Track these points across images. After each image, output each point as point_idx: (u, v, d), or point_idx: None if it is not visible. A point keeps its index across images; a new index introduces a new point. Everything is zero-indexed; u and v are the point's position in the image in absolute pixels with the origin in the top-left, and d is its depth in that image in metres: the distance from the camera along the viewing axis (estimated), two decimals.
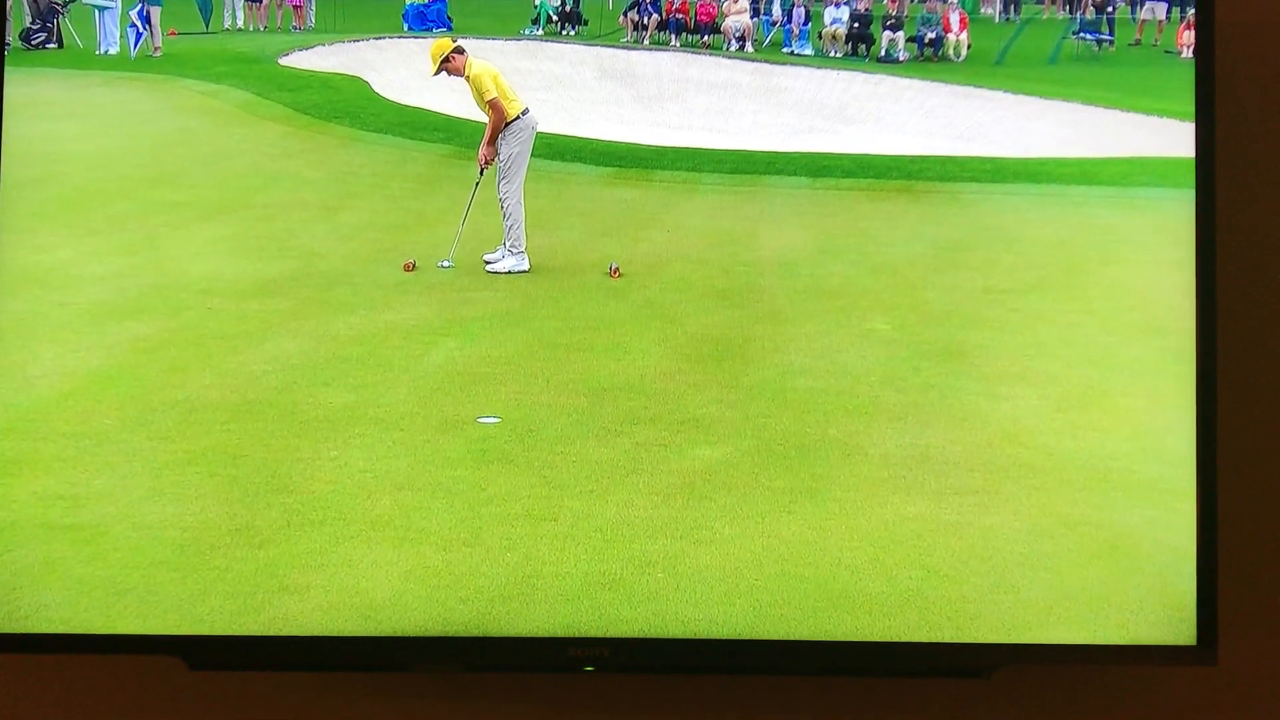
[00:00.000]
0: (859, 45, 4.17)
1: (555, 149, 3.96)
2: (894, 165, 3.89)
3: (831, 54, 4.21)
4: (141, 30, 4.01)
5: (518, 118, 3.91)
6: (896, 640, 2.73)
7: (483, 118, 3.91)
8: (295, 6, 4.36)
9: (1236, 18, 3.12)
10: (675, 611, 2.75)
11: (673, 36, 4.31)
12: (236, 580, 2.76)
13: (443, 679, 3.05)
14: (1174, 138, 2.95)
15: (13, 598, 2.74)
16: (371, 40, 4.26)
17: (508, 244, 3.84)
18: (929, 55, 4.16)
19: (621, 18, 4.27)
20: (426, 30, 3.90)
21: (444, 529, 2.85)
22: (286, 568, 2.78)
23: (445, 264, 3.72)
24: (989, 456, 2.99)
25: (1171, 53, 3.27)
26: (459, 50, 3.81)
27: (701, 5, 4.34)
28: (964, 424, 3.06)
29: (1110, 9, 3.88)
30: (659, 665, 2.85)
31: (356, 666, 2.94)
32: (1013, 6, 4.25)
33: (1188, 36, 3.03)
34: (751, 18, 4.36)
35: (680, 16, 4.30)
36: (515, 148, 3.92)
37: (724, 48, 4.36)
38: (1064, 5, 4.08)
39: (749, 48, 4.36)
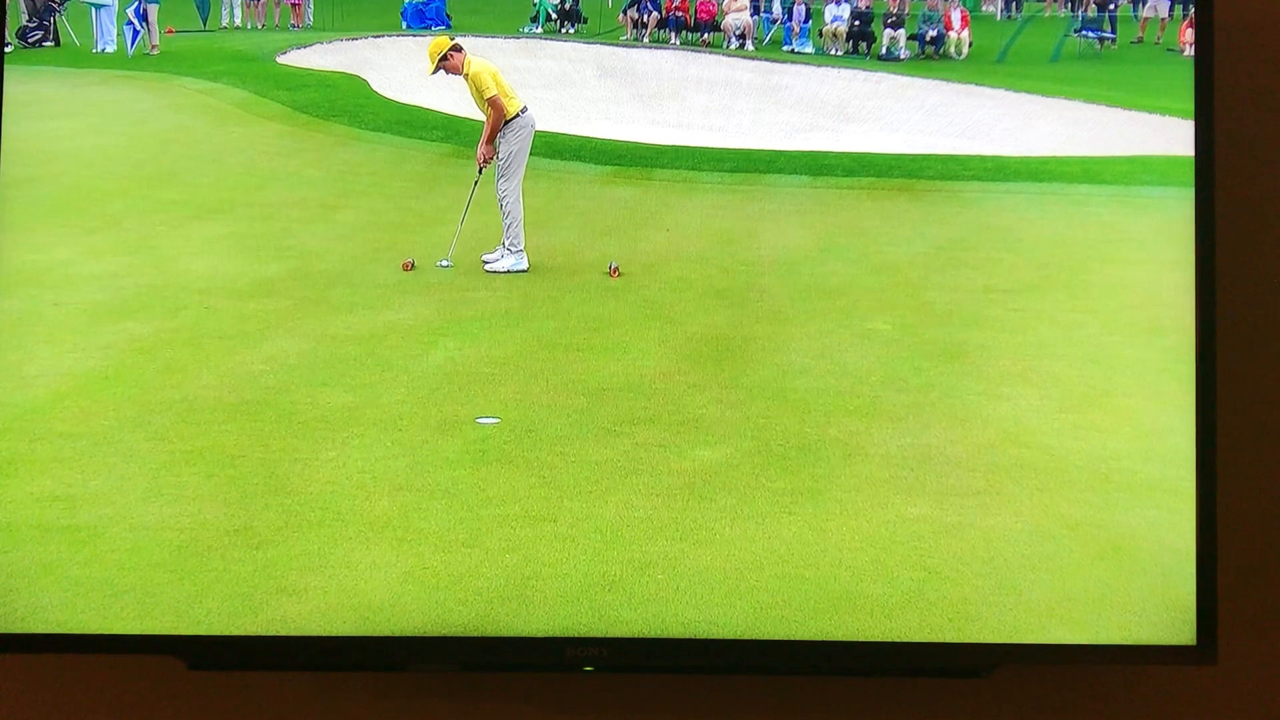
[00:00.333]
0: (860, 43, 4.16)
1: (554, 147, 3.95)
2: (895, 164, 3.88)
3: (832, 52, 4.20)
4: (139, 28, 4.00)
5: (516, 116, 3.91)
6: (893, 640, 2.72)
7: (482, 116, 3.90)
8: (293, 4, 4.35)
9: (1236, 18, 3.12)
10: (675, 613, 2.74)
11: (672, 34, 4.30)
12: (234, 582, 2.75)
13: (441, 679, 3.05)
14: (1176, 136, 2.94)
15: (9, 599, 2.74)
16: (370, 38, 4.25)
17: (506, 243, 3.83)
18: (930, 53, 4.15)
19: (621, 15, 4.26)
20: (425, 28, 3.89)
21: (443, 530, 2.85)
22: (285, 569, 2.77)
23: (444, 263, 3.71)
24: (990, 457, 2.98)
25: (1174, 51, 3.26)
26: (457, 48, 3.80)
27: (701, 3, 4.33)
28: (965, 424, 3.06)
29: (1112, 6, 3.87)
30: (657, 665, 2.84)
31: (355, 666, 2.94)
32: (1014, 4, 4.24)
33: (1190, 34, 3.02)
34: (752, 15, 4.35)
35: (680, 14, 4.29)
36: (514, 146, 3.91)
37: (724, 45, 4.35)
38: (1066, 3, 4.06)
39: (749, 45, 4.35)
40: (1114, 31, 3.88)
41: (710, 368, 3.27)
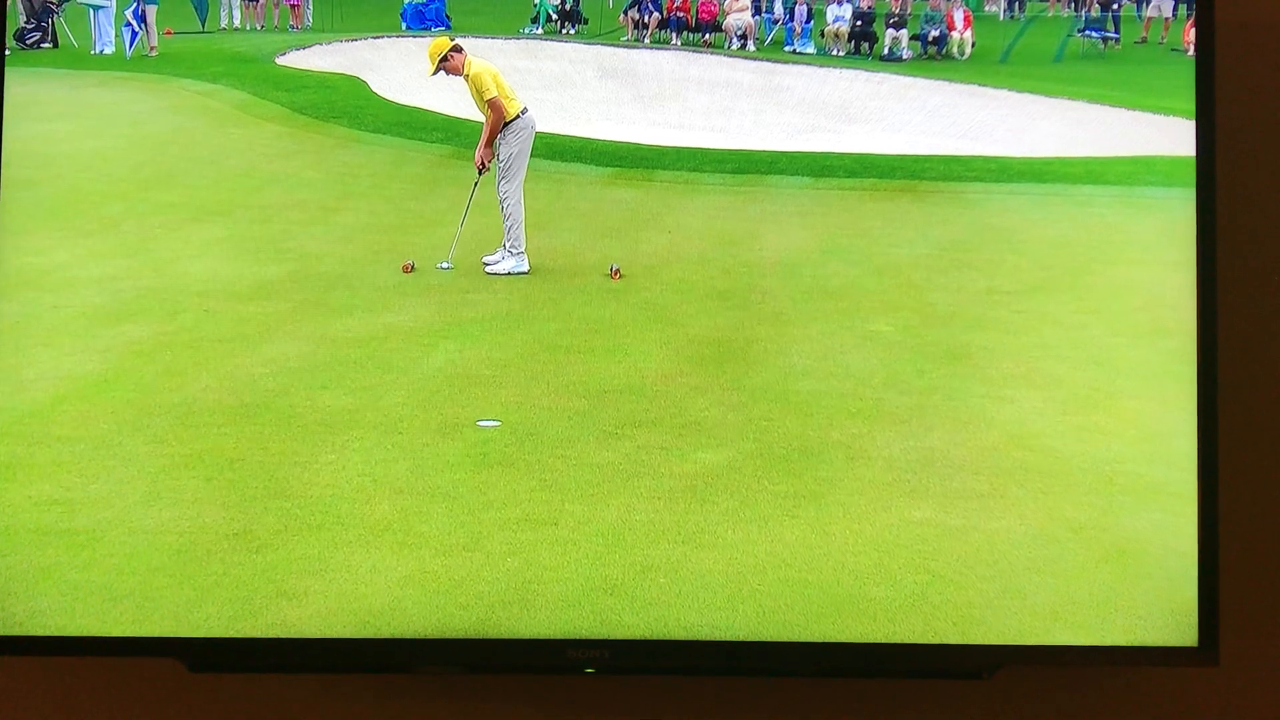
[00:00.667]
0: (862, 43, 4.15)
1: (555, 149, 3.95)
2: (897, 165, 3.88)
3: (834, 52, 4.19)
4: (137, 30, 3.99)
5: (517, 117, 3.90)
6: (896, 642, 2.71)
7: (482, 118, 3.89)
8: (292, 5, 4.35)
9: (1237, 17, 3.11)
10: (677, 617, 2.73)
11: (674, 35, 4.29)
12: (234, 586, 2.74)
13: (442, 681, 3.04)
14: (1180, 136, 2.94)
15: (7, 604, 2.73)
16: (370, 39, 4.25)
17: (507, 245, 3.83)
18: (932, 53, 4.14)
19: (622, 16, 4.25)
20: (425, 29, 3.89)
21: (443, 534, 2.84)
22: (284, 573, 2.76)
23: (444, 265, 3.71)
24: (994, 460, 2.97)
25: (1178, 50, 3.25)
26: (457, 49, 3.80)
27: (703, 3, 4.33)
28: (968, 427, 3.05)
29: (1116, 6, 3.87)
30: (659, 667, 2.83)
31: (358, 668, 2.93)
32: (1017, 4, 4.23)
33: (1194, 34, 3.01)
34: (753, 15, 4.34)
35: (681, 14, 4.28)
36: (515, 147, 3.90)
37: (725, 46, 4.34)
38: (1069, 2, 4.06)
39: (751, 46, 4.34)
40: (1117, 31, 3.87)
41: (712, 370, 3.26)
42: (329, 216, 3.87)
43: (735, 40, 4.34)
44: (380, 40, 4.16)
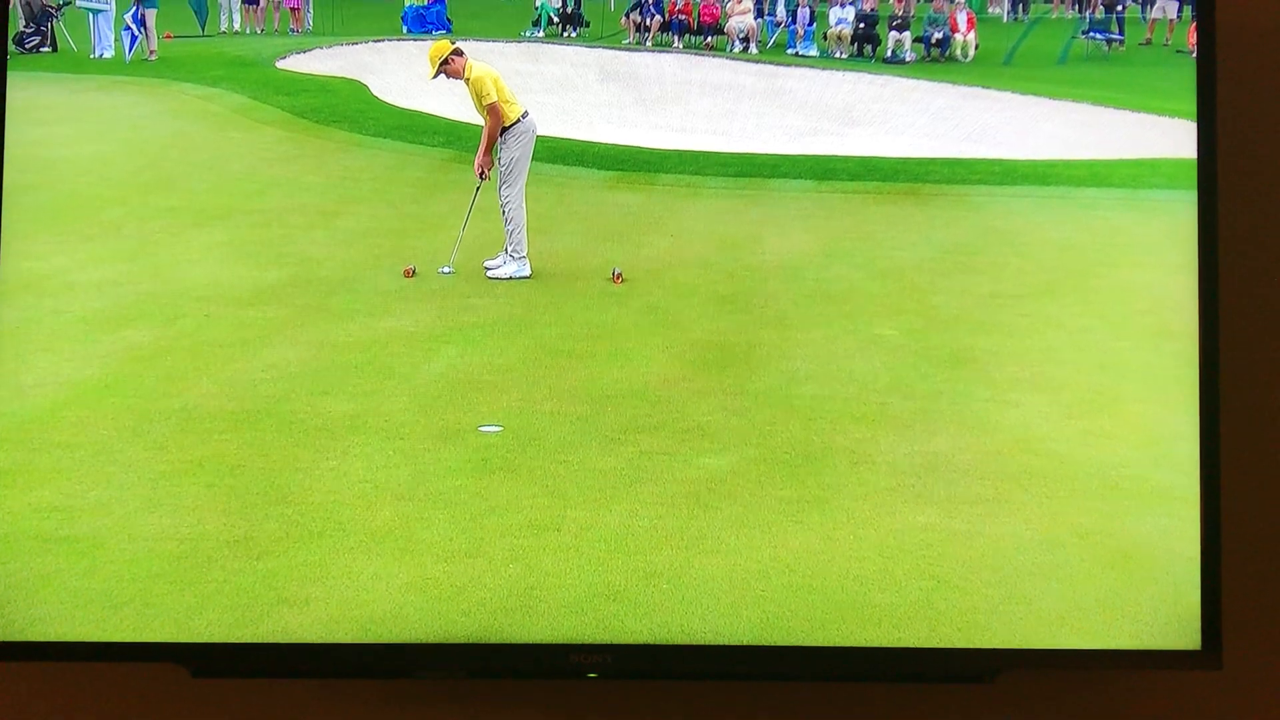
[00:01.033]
0: (865, 46, 4.16)
1: (557, 152, 3.95)
2: (900, 168, 3.88)
3: (837, 55, 4.19)
4: (136, 33, 3.99)
5: (518, 121, 3.90)
6: (900, 646, 2.70)
7: (483, 121, 3.89)
8: (293, 9, 4.35)
9: (1238, 19, 3.11)
10: (680, 623, 2.72)
11: (675, 38, 4.29)
12: (235, 593, 2.73)
13: (444, 686, 3.04)
14: (1185, 139, 2.93)
15: (8, 611, 2.72)
16: (370, 43, 4.25)
17: (509, 249, 3.82)
18: (936, 56, 4.14)
19: (624, 19, 4.25)
20: (426, 33, 3.89)
21: (445, 540, 2.83)
22: (285, 580, 2.75)
23: (446, 270, 3.71)
24: (999, 464, 2.96)
25: (1183, 52, 3.24)
26: (458, 52, 3.79)
27: (705, 6, 4.32)
28: (973, 431, 3.04)
29: (1120, 8, 3.86)
30: (662, 672, 2.82)
31: (360, 673, 2.91)
32: (1021, 6, 4.23)
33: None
34: (755, 19, 4.34)
35: (683, 18, 4.28)
36: (516, 151, 3.90)
37: (728, 49, 4.34)
38: (1073, 4, 4.05)
39: (753, 49, 4.34)
40: (1121, 33, 3.87)
41: (715, 374, 3.26)
42: (330, 221, 3.87)
43: (737, 43, 4.34)
44: (381, 44, 4.16)
